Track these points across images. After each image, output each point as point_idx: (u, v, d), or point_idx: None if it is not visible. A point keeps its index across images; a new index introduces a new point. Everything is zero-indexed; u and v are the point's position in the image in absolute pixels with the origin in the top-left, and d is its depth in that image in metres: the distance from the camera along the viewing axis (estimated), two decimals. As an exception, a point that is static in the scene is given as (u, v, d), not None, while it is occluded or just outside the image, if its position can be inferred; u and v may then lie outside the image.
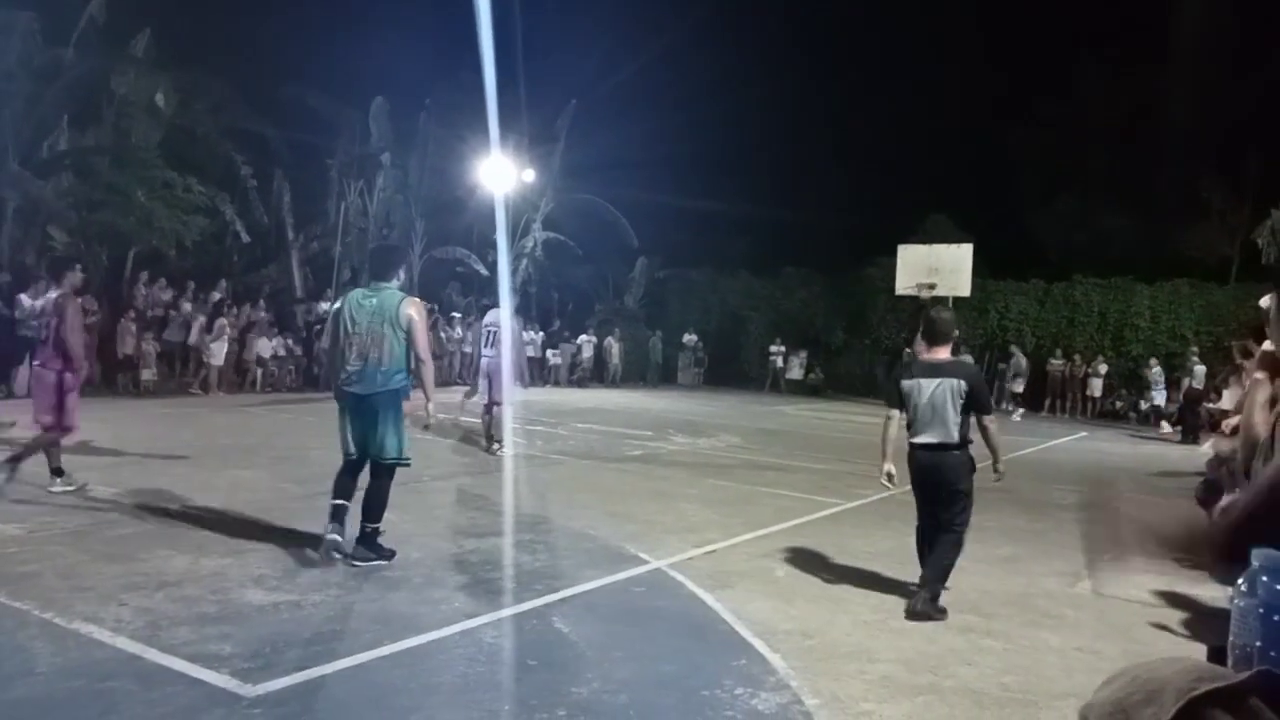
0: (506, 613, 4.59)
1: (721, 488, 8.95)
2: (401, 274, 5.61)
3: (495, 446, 10.17)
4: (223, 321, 16.50)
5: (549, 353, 24.80)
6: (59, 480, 6.97)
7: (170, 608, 4.34)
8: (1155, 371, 21.50)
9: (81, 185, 17.24)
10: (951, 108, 31.74)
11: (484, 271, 24.37)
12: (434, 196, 23.92)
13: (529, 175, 24.08)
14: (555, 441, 11.99)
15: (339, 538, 5.20)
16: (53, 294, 7.17)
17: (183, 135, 19.54)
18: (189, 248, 18.70)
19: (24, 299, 13.63)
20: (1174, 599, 5.62)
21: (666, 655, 4.14)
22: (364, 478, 5.47)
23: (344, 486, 5.40)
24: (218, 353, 16.34)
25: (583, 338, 26.30)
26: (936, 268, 24.13)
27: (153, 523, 6.08)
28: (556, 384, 24.44)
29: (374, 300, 5.29)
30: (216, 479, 7.81)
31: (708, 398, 22.77)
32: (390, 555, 5.30)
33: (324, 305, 20.13)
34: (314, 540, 5.77)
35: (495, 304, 10.97)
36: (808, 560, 6.10)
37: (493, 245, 23.14)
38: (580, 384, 24.98)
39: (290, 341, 18.72)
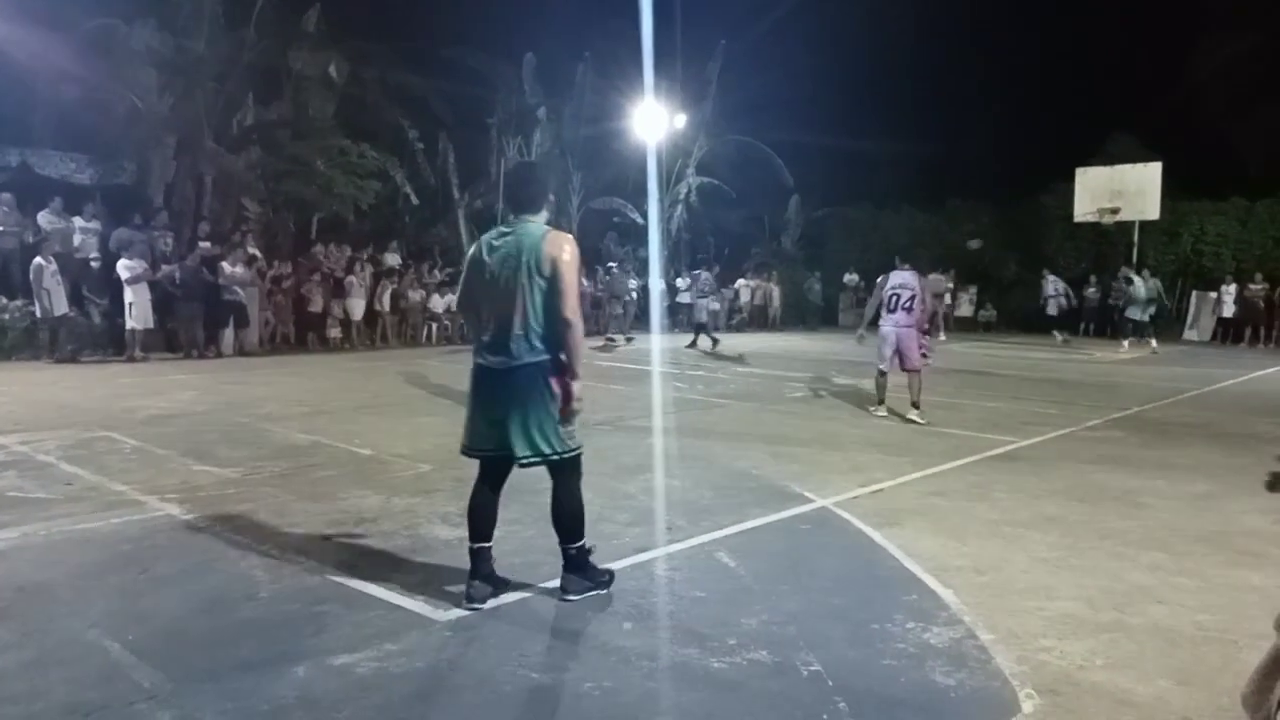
0: (675, 548, 4.72)
1: (887, 427, 8.79)
2: (551, 200, 4.04)
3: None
4: (351, 279, 17.32)
5: (709, 298, 24.83)
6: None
7: (368, 541, 4.72)
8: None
9: (268, 158, 18.56)
10: (1128, 18, 29.21)
11: (640, 220, 24.58)
12: (589, 148, 24.24)
13: (681, 121, 24.00)
14: (716, 385, 12.08)
15: (478, 603, 3.81)
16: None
17: (354, 104, 20.63)
18: (366, 211, 19.81)
19: (225, 266, 14.83)
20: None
21: (834, 590, 4.16)
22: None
23: (483, 514, 3.93)
24: (355, 308, 17.27)
25: (740, 282, 26.17)
26: (1120, 190, 22.52)
27: (349, 466, 6.59)
28: (717, 329, 24.48)
29: (510, 239, 3.77)
30: (402, 426, 8.35)
31: (871, 338, 22.18)
32: (608, 580, 4.05)
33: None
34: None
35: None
36: (980, 498, 5.93)
37: (648, 193, 23.32)
38: (739, 329, 24.92)
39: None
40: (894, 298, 9.00)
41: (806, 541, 4.97)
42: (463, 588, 3.91)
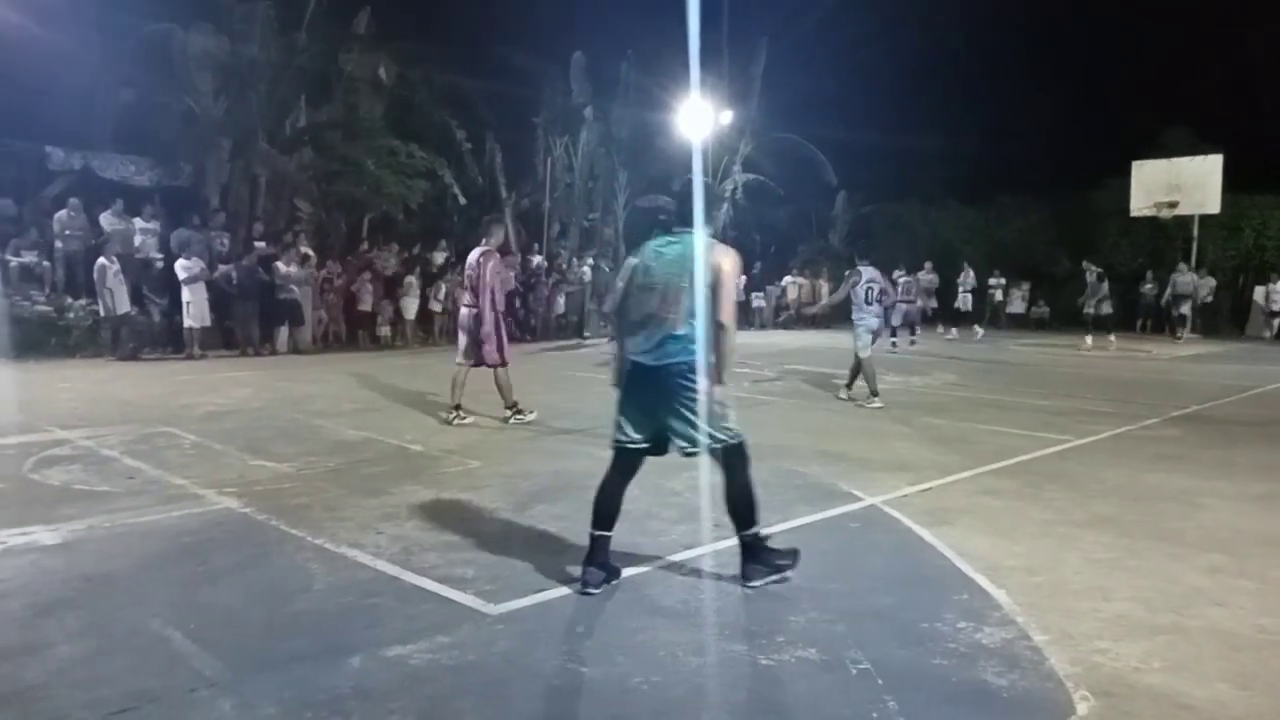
0: (722, 545, 4.69)
1: (936, 426, 8.69)
2: (716, 215, 4.25)
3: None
4: (411, 279, 17.57)
5: (752, 295, 24.78)
6: (515, 414, 8.38)
7: (420, 535, 4.80)
8: None
9: (319, 159, 18.87)
10: (1184, 7, 28.43)
11: (686, 218, 24.54)
12: (635, 146, 24.26)
13: (726, 117, 23.92)
14: (761, 383, 12.03)
15: (593, 588, 3.98)
16: (477, 250, 8.24)
17: (403, 105, 20.88)
18: (414, 211, 20.06)
19: (280, 266, 15.13)
20: None
21: (883, 588, 4.13)
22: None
23: (609, 503, 4.11)
24: (408, 307, 17.50)
25: (787, 279, 26.02)
26: (1178, 184, 21.98)
27: (399, 461, 6.69)
28: (762, 327, 24.39)
29: (676, 248, 4.06)
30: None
31: (920, 335, 21.93)
32: (792, 562, 4.16)
33: (535, 259, 21.11)
34: (536, 476, 6.17)
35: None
36: (1032, 497, 5.84)
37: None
38: (785, 326, 24.79)
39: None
40: (869, 290, 10.03)
41: (855, 540, 4.94)
42: (512, 578, 3.98)
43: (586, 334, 20.04)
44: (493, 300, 8.23)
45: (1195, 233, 22.62)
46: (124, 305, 13.72)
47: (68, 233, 14.85)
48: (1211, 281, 22.67)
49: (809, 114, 25.81)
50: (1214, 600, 4.02)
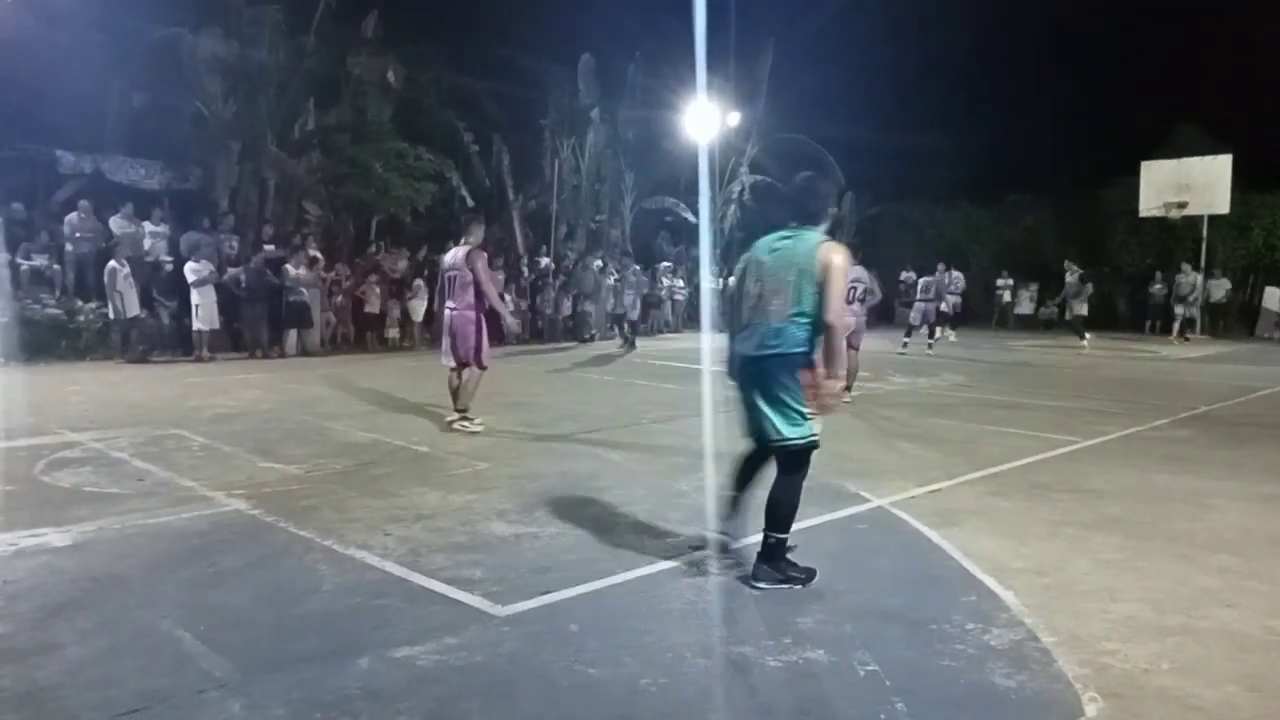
0: (730, 546, 4.71)
1: (945, 427, 8.67)
2: (833, 212, 4.27)
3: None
4: (419, 281, 17.59)
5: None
6: (463, 419, 8.03)
7: (427, 537, 4.81)
8: None
9: (328, 161, 18.92)
10: (1193, 5, 28.29)
11: (692, 219, 24.55)
12: (642, 147, 24.26)
13: (734, 119, 23.90)
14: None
15: (726, 535, 4.47)
16: (462, 248, 7.99)
17: (411, 107, 20.90)
18: (422, 213, 20.10)
19: (289, 268, 15.17)
20: None
21: (891, 590, 4.12)
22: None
23: (740, 469, 4.44)
24: (416, 309, 17.51)
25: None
26: (1188, 184, 21.89)
27: (407, 463, 6.71)
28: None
29: (789, 243, 4.09)
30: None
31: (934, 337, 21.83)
32: (805, 578, 4.12)
33: (544, 260, 21.14)
34: (544, 477, 6.17)
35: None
36: (1041, 499, 5.83)
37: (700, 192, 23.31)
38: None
39: (513, 295, 19.76)
40: (853, 290, 9.69)
41: (863, 541, 4.94)
42: (519, 580, 4.03)
43: (585, 336, 20.10)
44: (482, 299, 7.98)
45: (1204, 233, 22.53)
46: (134, 308, 13.77)
47: (78, 236, 14.91)
48: (1226, 283, 22.58)
49: (816, 114, 25.74)
50: (1223, 601, 4.00)
